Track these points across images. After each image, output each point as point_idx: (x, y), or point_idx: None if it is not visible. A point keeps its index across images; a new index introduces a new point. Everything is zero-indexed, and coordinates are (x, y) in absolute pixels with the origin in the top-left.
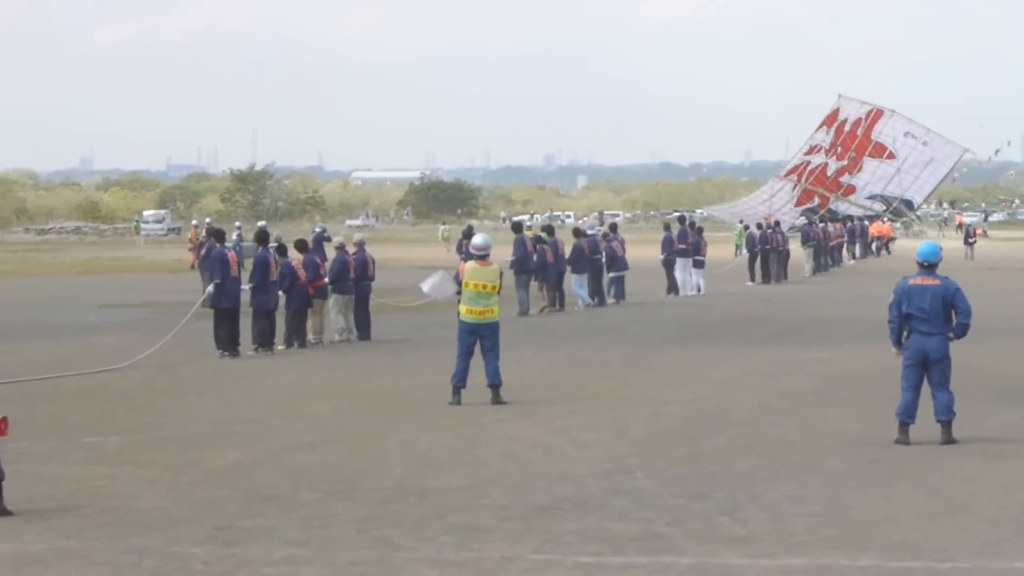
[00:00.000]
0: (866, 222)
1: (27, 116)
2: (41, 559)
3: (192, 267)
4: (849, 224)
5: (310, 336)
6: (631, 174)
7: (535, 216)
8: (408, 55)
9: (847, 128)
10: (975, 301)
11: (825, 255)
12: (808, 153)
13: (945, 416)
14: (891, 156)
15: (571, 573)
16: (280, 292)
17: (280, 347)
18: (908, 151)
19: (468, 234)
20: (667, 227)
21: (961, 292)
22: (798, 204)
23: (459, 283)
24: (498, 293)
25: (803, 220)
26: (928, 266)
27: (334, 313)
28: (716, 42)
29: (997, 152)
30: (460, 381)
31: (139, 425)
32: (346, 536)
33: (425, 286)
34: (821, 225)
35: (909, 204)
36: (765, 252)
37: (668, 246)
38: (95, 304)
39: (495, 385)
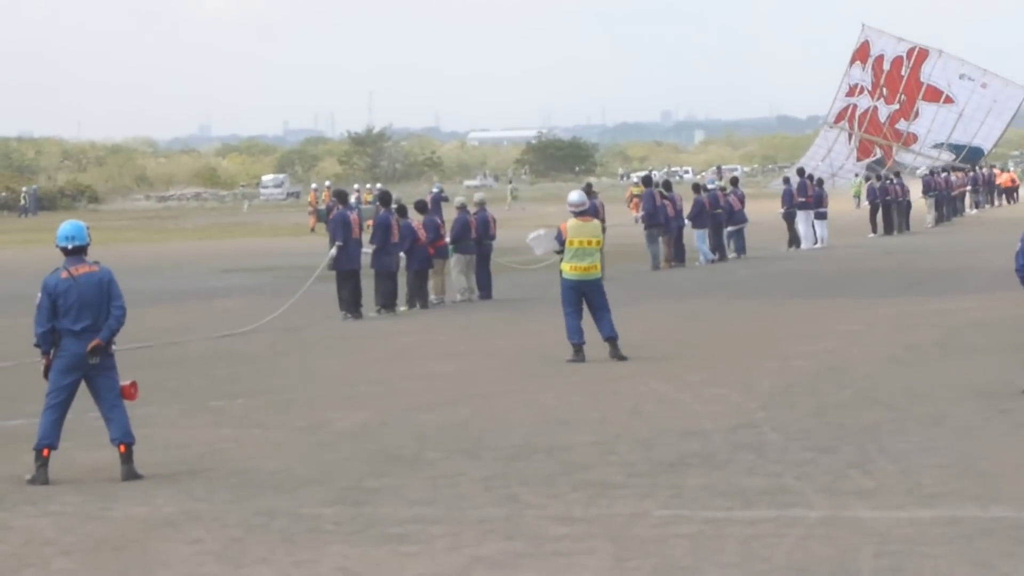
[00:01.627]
0: (994, 170)
1: (145, 85)
2: (173, 522)
3: (312, 230)
4: (972, 173)
5: (432, 296)
6: (748, 128)
7: (653, 172)
8: (522, 14)
9: (886, 67)
10: None
11: (947, 205)
12: (849, 94)
13: None
14: (949, 100)
15: (699, 528)
16: (401, 253)
17: (403, 308)
18: (967, 95)
19: (587, 192)
20: (787, 180)
21: None
22: (860, 158)
23: (562, 242)
24: (601, 248)
25: (868, 174)
26: None
27: (456, 273)
28: None
29: None
30: (578, 338)
31: (264, 388)
32: (474, 494)
33: (532, 242)
34: (944, 174)
35: (978, 152)
36: (886, 203)
37: (788, 199)
38: (218, 269)
39: (612, 338)
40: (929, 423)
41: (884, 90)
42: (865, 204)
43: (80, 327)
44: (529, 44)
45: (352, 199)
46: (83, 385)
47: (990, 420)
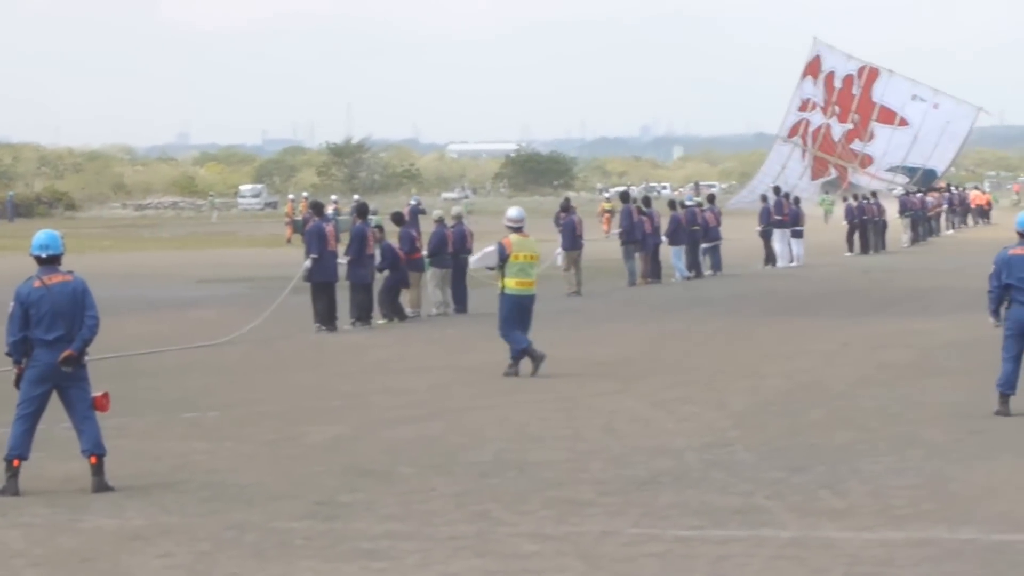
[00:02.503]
0: (967, 191)
1: (123, 92)
2: (143, 535)
3: (288, 241)
4: (947, 194)
5: (408, 310)
6: (726, 144)
7: (631, 187)
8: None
9: (838, 84)
10: None
11: (923, 225)
12: (802, 109)
13: None
14: (903, 123)
15: (670, 547)
16: (378, 272)
17: (380, 321)
18: (921, 117)
19: (565, 207)
20: (764, 198)
21: None
22: (814, 177)
23: (504, 257)
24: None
25: (844, 194)
26: None
27: (432, 286)
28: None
29: None
30: (518, 352)
31: (238, 400)
32: (445, 510)
33: (478, 262)
34: (919, 195)
35: (932, 174)
36: (863, 223)
37: (765, 217)
38: (193, 279)
39: (540, 358)
40: (901, 444)
41: (836, 108)
42: (842, 224)
43: (53, 337)
44: (509, 57)
45: (329, 210)
46: (55, 395)
47: (962, 441)
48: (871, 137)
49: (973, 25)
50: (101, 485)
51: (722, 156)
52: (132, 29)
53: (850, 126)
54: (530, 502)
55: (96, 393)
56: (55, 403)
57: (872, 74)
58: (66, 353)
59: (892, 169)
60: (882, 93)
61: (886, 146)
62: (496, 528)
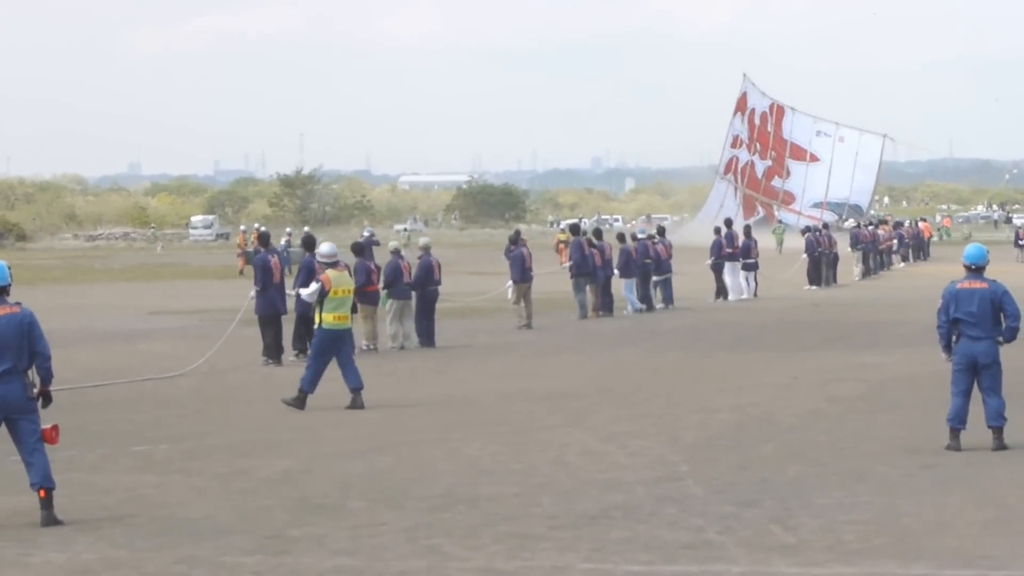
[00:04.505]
0: (919, 224)
1: (75, 122)
2: (91, 569)
3: (240, 272)
4: (898, 229)
5: (363, 342)
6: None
7: (583, 220)
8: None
9: (757, 121)
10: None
11: (875, 258)
12: (733, 145)
13: (996, 422)
14: (814, 159)
15: None
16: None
17: None
18: (829, 151)
19: (514, 240)
20: (717, 231)
21: (1009, 295)
22: (746, 216)
23: (324, 293)
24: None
25: (803, 228)
26: (975, 269)
27: (389, 319)
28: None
29: None
30: (310, 388)
31: (188, 433)
32: (396, 545)
33: (308, 298)
34: (870, 227)
35: (858, 209)
36: (816, 256)
37: (717, 250)
38: (144, 310)
39: (360, 388)
40: (852, 478)
41: (758, 145)
42: (802, 258)
43: (1, 370)
44: (461, 89)
45: (282, 242)
46: (3, 428)
47: (913, 476)
48: (788, 174)
49: (919, 58)
50: (50, 519)
51: (674, 188)
52: (83, 58)
53: (769, 163)
54: (481, 536)
55: (45, 426)
56: (3, 436)
57: (779, 111)
58: (40, 391)
59: (816, 205)
60: (790, 130)
61: (803, 182)
62: (447, 563)
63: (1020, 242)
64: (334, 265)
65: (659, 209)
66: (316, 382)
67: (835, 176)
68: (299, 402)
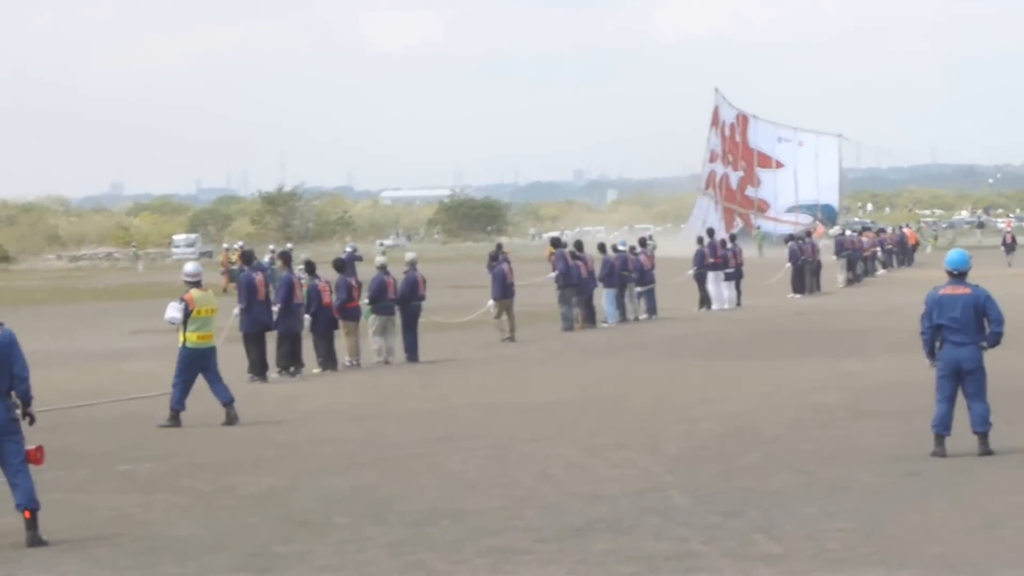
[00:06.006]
0: (903, 231)
1: (57, 143)
2: None
3: (224, 290)
4: (881, 235)
5: (346, 358)
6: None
7: (565, 232)
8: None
9: (727, 133)
10: (1008, 309)
11: (859, 265)
12: (711, 160)
13: (981, 427)
14: (779, 165)
15: None
16: (307, 316)
17: (316, 371)
18: (792, 157)
19: (494, 255)
20: (700, 240)
21: (992, 300)
22: (727, 228)
23: (188, 312)
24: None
25: (786, 236)
26: (958, 275)
27: (372, 333)
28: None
29: None
30: (180, 405)
31: (172, 452)
32: (380, 560)
33: (167, 313)
34: (854, 235)
35: (830, 209)
36: (800, 264)
37: (700, 259)
38: (127, 330)
39: (231, 402)
40: (836, 487)
41: (730, 157)
42: (786, 266)
43: None
44: (441, 103)
45: (266, 259)
46: None
47: (896, 484)
48: (759, 183)
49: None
50: (35, 539)
51: (656, 199)
52: (65, 80)
53: (741, 173)
54: (465, 550)
55: (30, 447)
56: None
57: (744, 121)
58: (23, 412)
59: (791, 210)
60: (755, 139)
61: (774, 189)
62: None
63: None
64: (197, 284)
65: (641, 219)
66: (184, 399)
67: (801, 180)
68: (173, 421)
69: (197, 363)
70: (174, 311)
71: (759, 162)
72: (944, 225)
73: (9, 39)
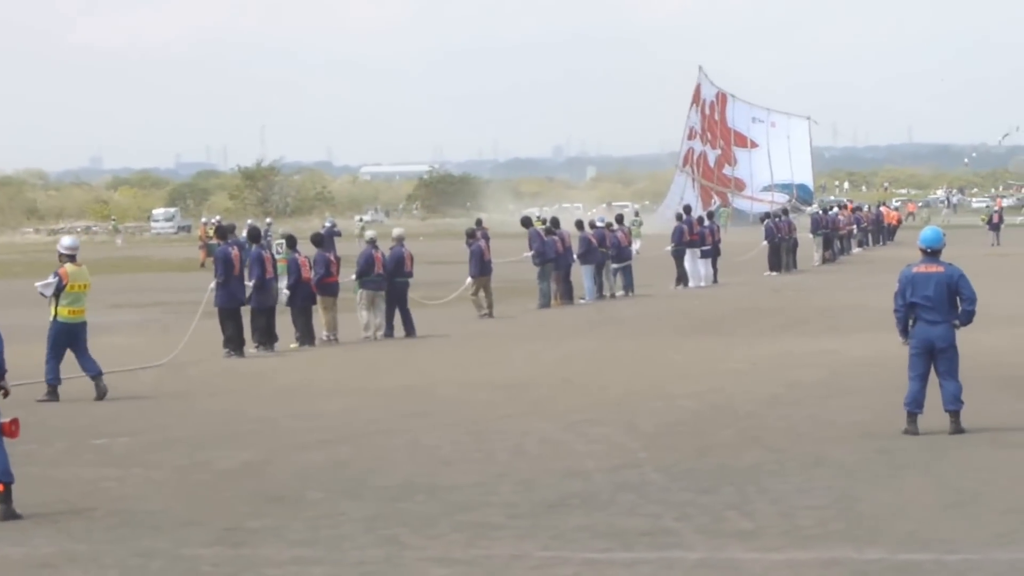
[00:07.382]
0: (880, 209)
1: (36, 116)
2: (50, 563)
3: (202, 265)
4: (857, 213)
5: (324, 333)
6: (640, 164)
7: (544, 208)
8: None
9: (707, 111)
10: (981, 288)
11: (835, 243)
12: (689, 137)
13: (953, 405)
14: (754, 145)
15: (579, 570)
16: (285, 290)
17: (293, 346)
18: (765, 137)
19: (471, 233)
20: (679, 217)
21: (965, 278)
22: (704, 206)
23: (61, 287)
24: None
25: (762, 215)
26: (931, 253)
27: (360, 309)
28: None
29: (1006, 136)
30: (55, 379)
31: (148, 426)
32: (354, 535)
33: (43, 288)
34: (831, 213)
35: (805, 189)
36: (776, 242)
37: (678, 236)
38: (106, 304)
39: (100, 374)
40: (809, 464)
41: (709, 135)
42: (763, 244)
43: None
44: (421, 79)
45: (243, 234)
46: None
47: (870, 461)
48: (735, 162)
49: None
50: (8, 513)
51: (636, 176)
52: (43, 53)
53: (719, 152)
54: (439, 526)
55: (5, 420)
56: None
57: (723, 99)
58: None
59: (767, 189)
60: (732, 118)
61: (749, 168)
62: (404, 552)
63: (995, 223)
64: (72, 259)
65: (620, 196)
66: (57, 372)
67: (775, 160)
68: (52, 396)
69: (66, 337)
70: (46, 284)
71: (736, 141)
72: (920, 204)
73: None
